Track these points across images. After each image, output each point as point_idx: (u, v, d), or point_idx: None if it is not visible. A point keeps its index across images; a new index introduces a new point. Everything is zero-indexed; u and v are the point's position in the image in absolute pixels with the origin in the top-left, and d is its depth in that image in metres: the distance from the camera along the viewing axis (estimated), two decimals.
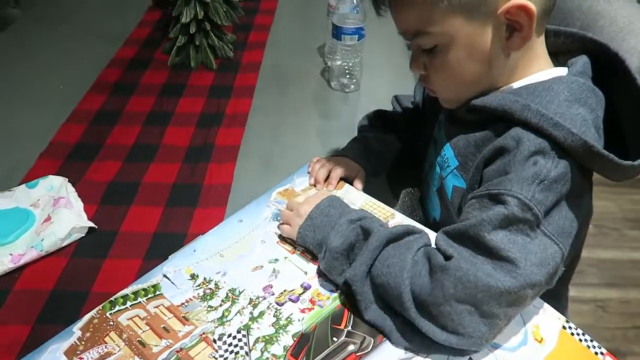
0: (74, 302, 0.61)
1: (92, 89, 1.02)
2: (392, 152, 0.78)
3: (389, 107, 0.86)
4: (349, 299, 0.55)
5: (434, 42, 0.55)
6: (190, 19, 1.03)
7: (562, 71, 0.57)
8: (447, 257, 0.49)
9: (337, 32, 0.96)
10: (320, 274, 0.59)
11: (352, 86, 1.03)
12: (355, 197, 0.71)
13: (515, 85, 0.57)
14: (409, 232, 0.55)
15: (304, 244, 0.61)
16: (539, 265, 0.47)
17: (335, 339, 0.52)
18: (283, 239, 0.64)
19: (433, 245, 0.53)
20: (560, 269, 0.50)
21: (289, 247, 0.63)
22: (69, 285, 0.64)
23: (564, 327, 0.53)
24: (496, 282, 0.45)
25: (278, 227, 0.64)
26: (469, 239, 0.49)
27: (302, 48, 1.17)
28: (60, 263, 0.67)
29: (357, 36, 0.95)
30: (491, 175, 0.52)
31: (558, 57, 0.59)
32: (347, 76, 1.02)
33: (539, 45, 0.57)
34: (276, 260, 0.61)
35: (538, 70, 0.57)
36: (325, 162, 0.74)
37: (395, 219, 0.68)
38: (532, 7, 0.50)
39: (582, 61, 0.56)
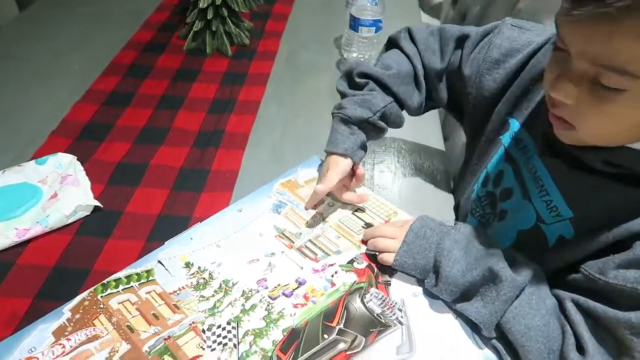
0: (75, 279, 0.62)
1: (107, 70, 1.02)
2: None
3: None
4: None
5: (633, 87, 0.40)
6: (208, 4, 1.03)
7: None
8: (581, 349, 0.47)
9: (355, 23, 0.94)
10: (317, 270, 0.58)
11: None
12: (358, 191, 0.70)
13: None
14: (535, 275, 0.52)
15: (404, 272, 0.58)
16: None
17: (326, 335, 0.52)
18: (282, 232, 0.64)
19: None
20: None
21: (287, 242, 0.62)
22: (71, 262, 0.65)
23: None
24: None
25: (377, 258, 0.59)
26: (611, 336, 0.46)
27: (319, 39, 1.16)
28: (64, 240, 0.68)
29: (374, 28, 0.94)
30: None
31: None
32: None
33: None
34: (273, 254, 0.61)
35: None
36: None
37: (399, 216, 0.67)
38: None
39: None
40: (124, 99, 0.95)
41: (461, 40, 0.65)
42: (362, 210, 0.67)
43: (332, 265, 0.59)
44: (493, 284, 0.51)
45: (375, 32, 0.94)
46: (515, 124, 0.60)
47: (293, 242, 0.62)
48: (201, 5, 1.03)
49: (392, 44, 0.71)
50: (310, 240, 0.62)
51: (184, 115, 0.91)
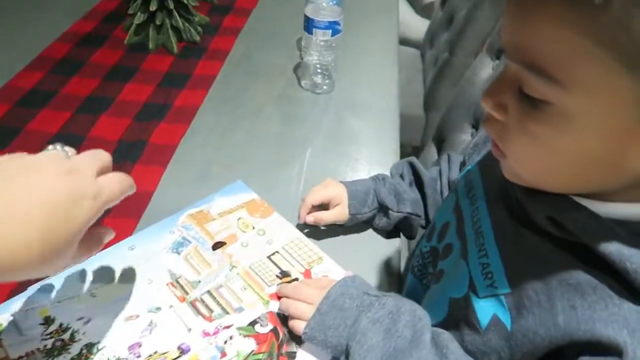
0: None
1: (32, 64, 0.90)
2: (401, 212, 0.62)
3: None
4: None
5: (558, 99, 0.31)
6: None
7: None
8: None
9: (309, 25, 0.82)
10: (208, 333, 0.47)
11: (325, 87, 0.89)
12: (280, 231, 0.58)
13: (634, 209, 0.34)
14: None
15: (315, 345, 0.46)
16: None
17: None
18: (176, 279, 0.52)
19: None
20: None
21: (180, 293, 0.51)
22: None
23: None
24: None
25: (288, 324, 0.48)
26: None
27: (280, 38, 1.03)
28: None
29: (330, 31, 0.82)
30: None
31: None
32: (320, 75, 0.88)
33: None
34: (158, 309, 0.49)
35: None
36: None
37: (323, 264, 0.55)
38: None
39: None
40: (43, 98, 0.83)
41: None
42: (279, 253, 0.55)
43: (228, 327, 0.48)
44: None
45: (332, 35, 0.82)
46: (471, 167, 0.50)
47: (187, 294, 0.50)
48: None
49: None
50: (208, 292, 0.51)
51: (106, 121, 0.79)
